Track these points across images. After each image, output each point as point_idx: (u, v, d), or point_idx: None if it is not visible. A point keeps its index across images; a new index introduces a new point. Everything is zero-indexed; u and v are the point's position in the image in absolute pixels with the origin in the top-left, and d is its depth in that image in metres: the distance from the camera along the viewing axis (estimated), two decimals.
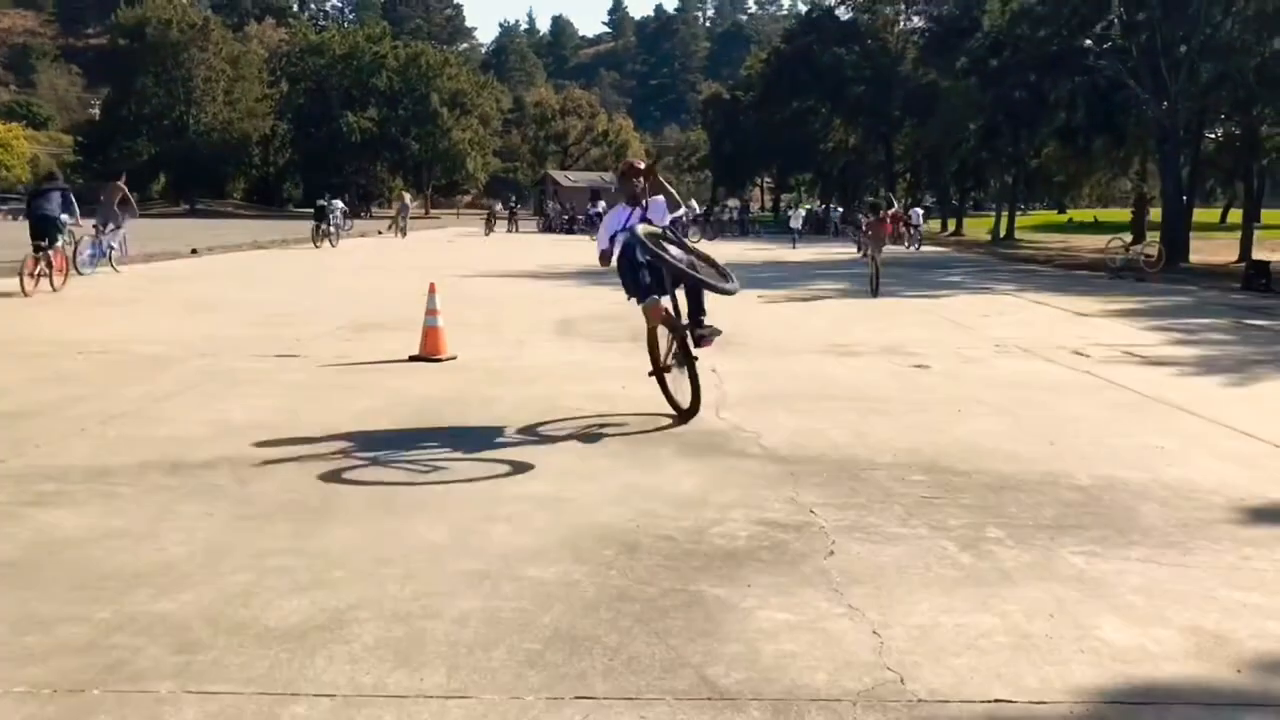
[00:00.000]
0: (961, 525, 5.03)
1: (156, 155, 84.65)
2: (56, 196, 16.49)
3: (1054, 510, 5.33)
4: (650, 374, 7.62)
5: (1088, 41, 32.28)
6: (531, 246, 36.09)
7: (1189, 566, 4.52)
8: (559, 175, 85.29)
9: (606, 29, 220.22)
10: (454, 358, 9.82)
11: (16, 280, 15.57)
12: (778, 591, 4.14)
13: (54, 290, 15.96)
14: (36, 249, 15.68)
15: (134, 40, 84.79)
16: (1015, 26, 32.02)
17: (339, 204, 37.11)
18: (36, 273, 15.61)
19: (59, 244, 16.18)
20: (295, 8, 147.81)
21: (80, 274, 18.32)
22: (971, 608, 4.01)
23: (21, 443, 6.42)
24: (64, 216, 16.30)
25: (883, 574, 4.37)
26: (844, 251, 34.39)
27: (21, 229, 17.49)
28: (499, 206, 47.13)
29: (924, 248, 39.46)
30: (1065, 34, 30.95)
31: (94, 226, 19.98)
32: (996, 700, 3.26)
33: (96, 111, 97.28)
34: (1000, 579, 4.32)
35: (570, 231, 51.18)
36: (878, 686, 3.35)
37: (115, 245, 20.50)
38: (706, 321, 7.46)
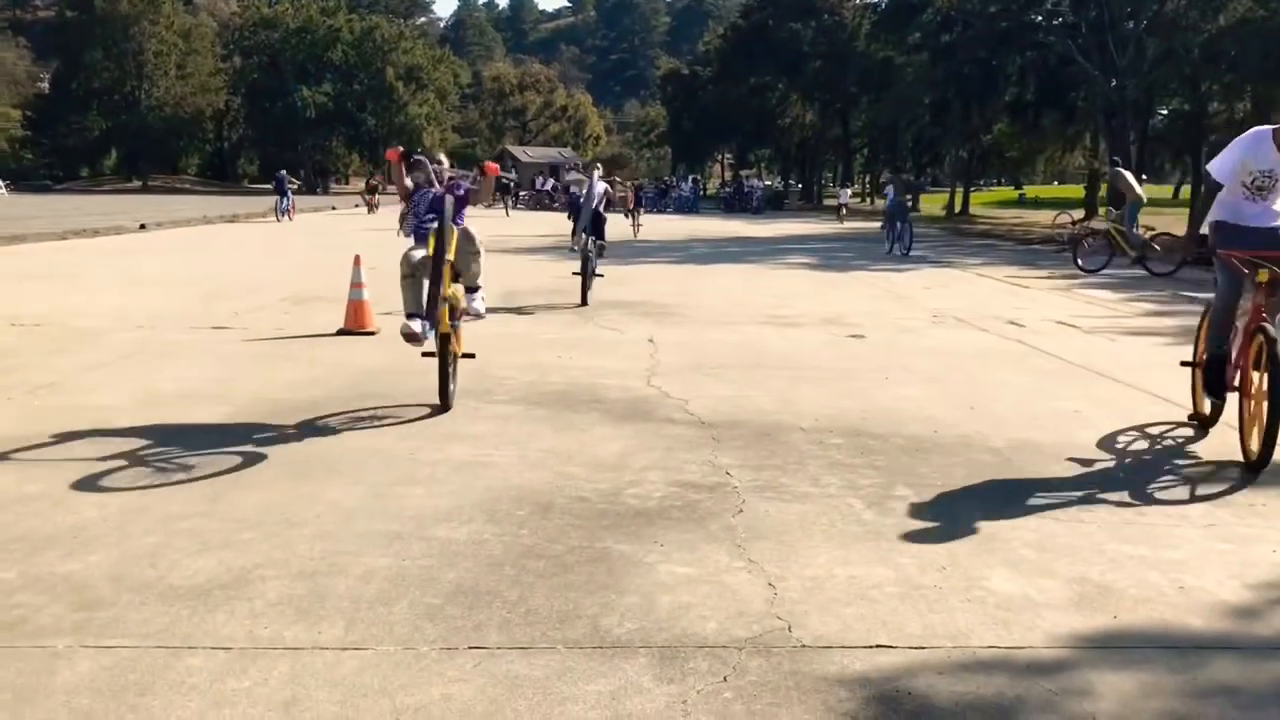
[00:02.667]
0: (871, 485, 5.15)
1: (108, 130, 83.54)
2: (284, 174, 35.84)
3: (964, 471, 5.46)
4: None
5: (1037, 17, 32.56)
6: (491, 223, 35.91)
7: (1085, 522, 4.66)
8: (517, 151, 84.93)
9: (566, 3, 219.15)
10: (375, 332, 9.74)
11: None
12: (682, 547, 4.24)
13: (290, 220, 34.20)
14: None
15: (82, 12, 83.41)
16: (966, 2, 32.25)
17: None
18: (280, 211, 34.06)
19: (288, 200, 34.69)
20: None
21: (278, 220, 33.85)
22: (867, 561, 4.12)
23: None
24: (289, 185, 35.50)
25: (787, 530, 4.47)
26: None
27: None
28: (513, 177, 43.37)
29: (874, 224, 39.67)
30: (1015, 9, 31.19)
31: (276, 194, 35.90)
32: (878, 645, 3.37)
33: (46, 86, 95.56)
34: (900, 534, 4.44)
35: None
36: (765, 634, 3.45)
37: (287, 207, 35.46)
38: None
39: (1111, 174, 21.22)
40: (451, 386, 6.72)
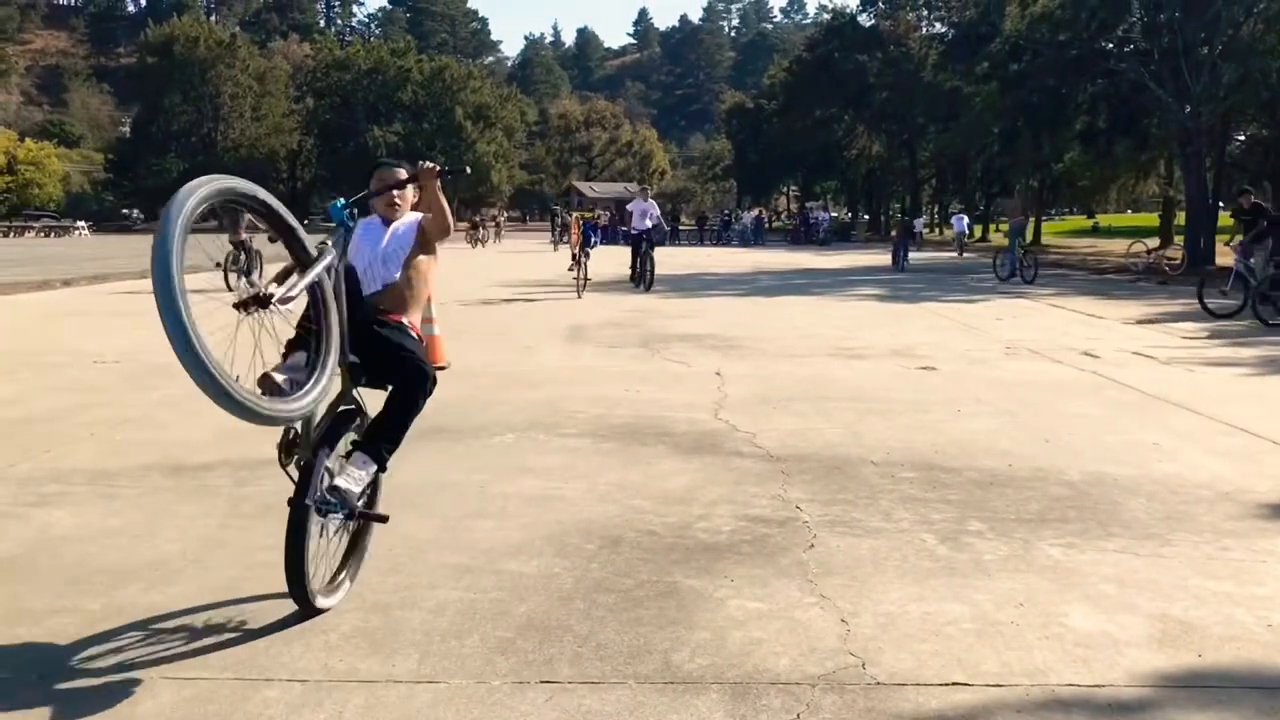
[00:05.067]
0: (944, 519, 5.08)
1: (185, 172, 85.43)
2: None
3: (1039, 505, 5.36)
4: None
5: (1108, 45, 32.13)
6: (561, 260, 36.22)
7: (1166, 557, 4.54)
8: (584, 186, 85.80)
9: (631, 40, 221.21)
10: (445, 366, 9.83)
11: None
12: (752, 582, 4.21)
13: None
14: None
15: (162, 58, 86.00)
16: (1034, 30, 31.93)
17: None
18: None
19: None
20: (321, 24, 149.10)
21: None
22: (942, 597, 4.06)
23: (30, 447, 6.57)
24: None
25: (859, 565, 4.42)
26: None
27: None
28: (567, 213, 42.65)
29: (945, 254, 39.40)
30: (1085, 37, 30.81)
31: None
32: (954, 683, 3.32)
33: (127, 129, 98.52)
34: (975, 570, 4.37)
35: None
36: (839, 671, 3.41)
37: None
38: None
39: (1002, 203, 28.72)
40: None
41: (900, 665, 3.45)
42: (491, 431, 7.09)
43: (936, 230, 69.44)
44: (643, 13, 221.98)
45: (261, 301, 3.32)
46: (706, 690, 3.27)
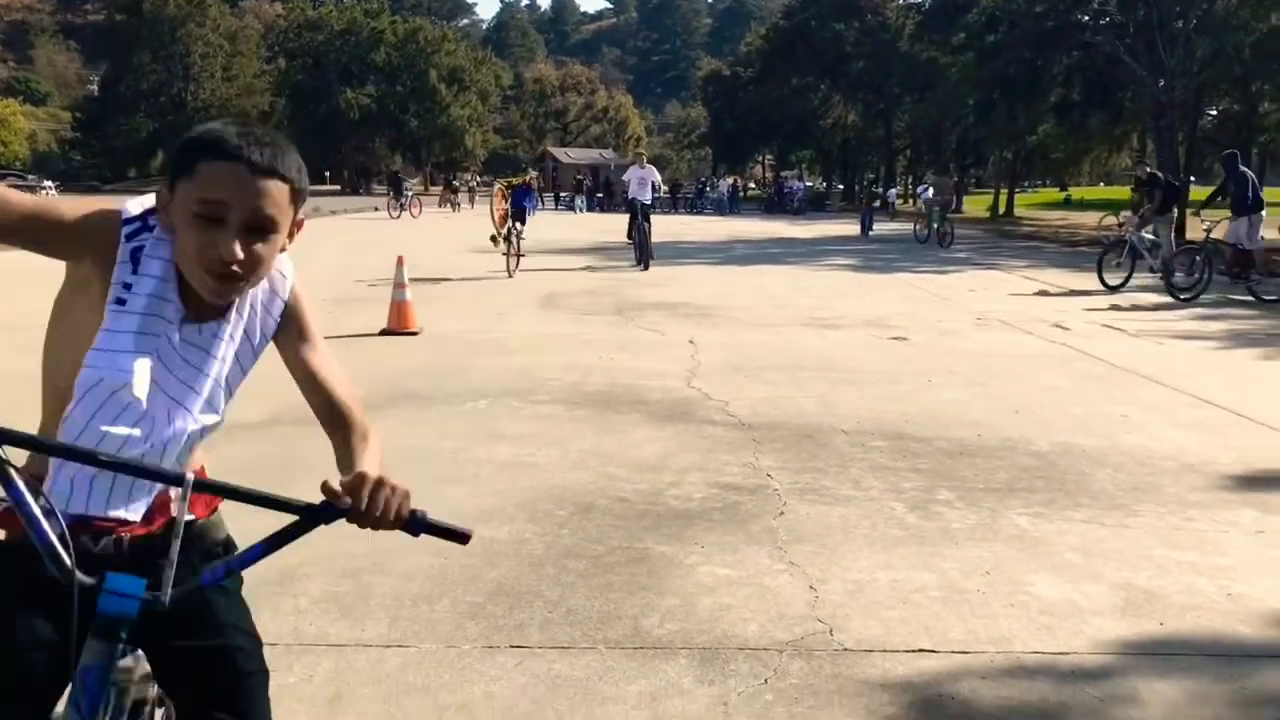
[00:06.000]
0: (913, 488, 5.12)
1: (155, 132, 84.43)
2: (400, 175, 40.65)
3: (1008, 474, 5.41)
4: None
5: (1084, 17, 32.21)
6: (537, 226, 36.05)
7: (1131, 527, 4.60)
8: (558, 152, 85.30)
9: (608, 4, 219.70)
10: (417, 332, 9.86)
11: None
12: (723, 549, 4.24)
13: (414, 217, 35.42)
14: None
15: (131, 15, 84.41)
16: (1011, 2, 31.97)
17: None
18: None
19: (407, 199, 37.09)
20: None
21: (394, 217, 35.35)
22: (910, 565, 4.10)
23: None
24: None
25: (829, 533, 4.46)
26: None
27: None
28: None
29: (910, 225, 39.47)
30: (1061, 9, 30.87)
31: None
32: (920, 650, 3.36)
33: (95, 88, 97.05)
34: (943, 538, 4.41)
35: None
36: (807, 637, 3.44)
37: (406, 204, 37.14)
38: None
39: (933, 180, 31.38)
40: None
41: (868, 632, 3.48)
42: (464, 398, 7.08)
43: (910, 201, 69.57)
44: None
45: None
46: (676, 655, 3.29)
